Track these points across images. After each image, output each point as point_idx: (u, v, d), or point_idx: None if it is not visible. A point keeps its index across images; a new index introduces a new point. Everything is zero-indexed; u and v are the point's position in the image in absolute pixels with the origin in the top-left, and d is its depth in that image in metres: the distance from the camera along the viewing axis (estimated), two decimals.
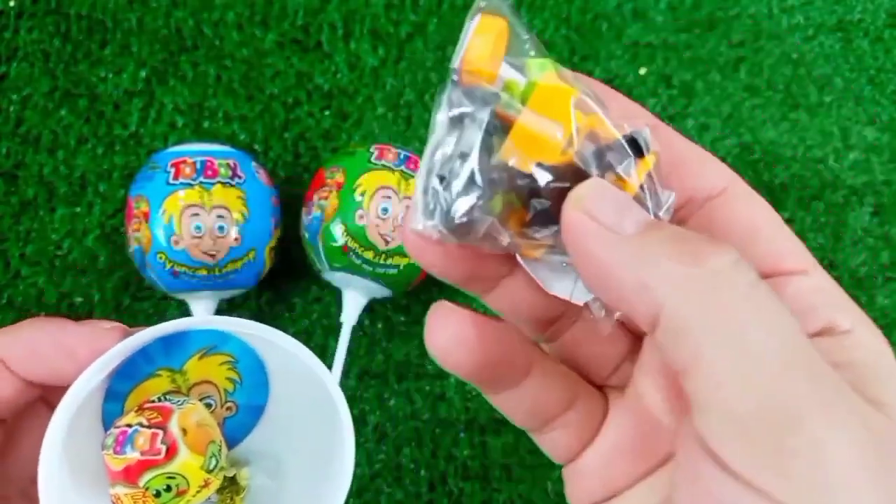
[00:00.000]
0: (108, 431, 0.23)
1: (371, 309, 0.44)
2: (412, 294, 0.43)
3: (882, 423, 0.16)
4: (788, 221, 0.46)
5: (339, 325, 0.41)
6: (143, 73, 0.47)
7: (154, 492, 0.21)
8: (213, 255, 0.38)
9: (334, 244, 0.38)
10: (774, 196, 0.46)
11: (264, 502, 0.27)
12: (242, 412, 0.27)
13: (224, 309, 0.43)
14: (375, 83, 0.48)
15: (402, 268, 0.39)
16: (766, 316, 0.16)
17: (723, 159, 0.49)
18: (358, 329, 0.43)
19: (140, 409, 0.22)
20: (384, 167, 0.38)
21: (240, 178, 0.39)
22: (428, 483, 0.42)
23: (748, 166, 0.47)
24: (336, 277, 0.40)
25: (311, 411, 0.26)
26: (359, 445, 0.42)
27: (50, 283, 0.44)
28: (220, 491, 0.26)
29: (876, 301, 0.45)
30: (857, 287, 0.45)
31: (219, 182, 0.38)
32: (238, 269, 0.39)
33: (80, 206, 0.45)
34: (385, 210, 0.38)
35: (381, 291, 0.40)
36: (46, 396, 0.24)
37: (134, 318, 0.44)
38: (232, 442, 0.27)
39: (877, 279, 0.45)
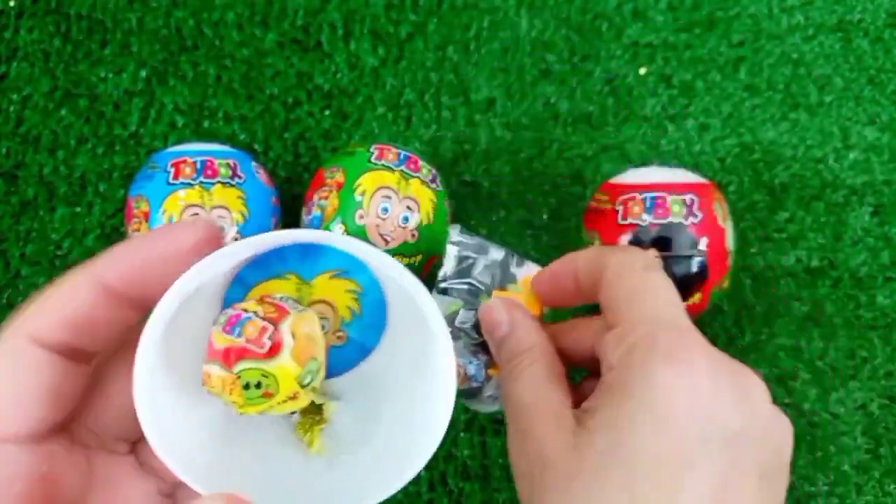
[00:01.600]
0: (224, 310, 0.22)
1: None
2: None
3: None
4: (788, 221, 0.46)
5: None
6: (143, 73, 0.47)
7: (244, 383, 0.21)
8: None
9: None
10: (774, 196, 0.46)
11: (343, 442, 0.26)
12: (351, 346, 0.27)
13: None
14: (375, 83, 0.48)
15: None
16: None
17: (723, 159, 0.49)
18: None
19: (260, 300, 0.22)
20: (384, 167, 0.38)
21: (240, 178, 0.39)
22: (428, 483, 0.42)
23: (748, 166, 0.47)
24: None
25: (415, 369, 0.26)
26: None
27: None
28: (303, 413, 0.25)
29: (876, 301, 0.45)
30: (857, 287, 0.45)
31: (219, 182, 0.38)
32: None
33: (80, 206, 0.45)
34: (385, 210, 0.38)
35: None
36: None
37: None
38: (331, 372, 0.26)
39: (877, 279, 0.45)
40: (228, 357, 0.21)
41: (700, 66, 0.48)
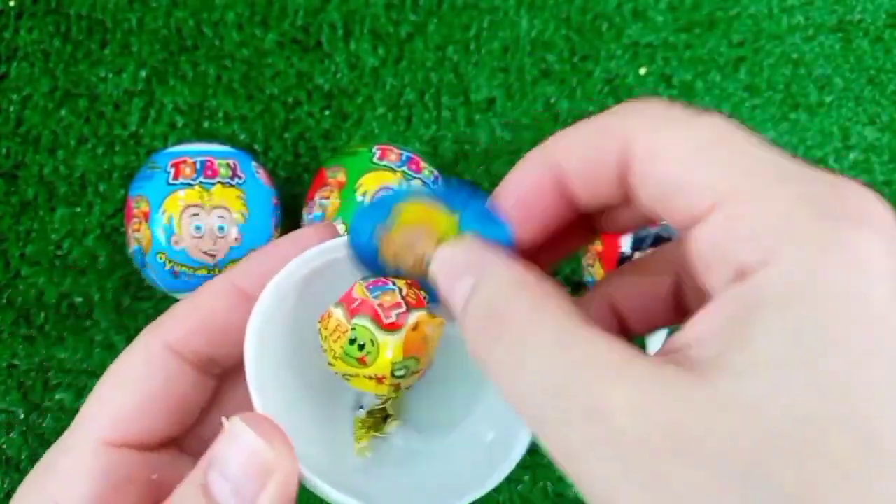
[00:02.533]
0: (374, 277, 0.23)
1: None
2: None
3: None
4: None
5: None
6: (143, 73, 0.47)
7: (352, 336, 0.21)
8: (212, 255, 0.38)
9: None
10: None
11: (400, 458, 0.25)
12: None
13: None
14: (375, 83, 0.48)
15: None
16: None
17: None
18: None
19: (411, 283, 0.22)
20: (386, 167, 0.38)
21: (240, 178, 0.39)
22: None
23: None
24: None
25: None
26: None
27: (50, 283, 0.44)
28: (369, 412, 0.25)
29: None
30: None
31: (219, 182, 0.38)
32: None
33: (80, 206, 0.45)
34: None
35: None
36: None
37: (134, 319, 0.44)
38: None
39: None
40: (356, 307, 0.21)
41: (700, 66, 0.48)
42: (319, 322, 0.22)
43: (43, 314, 0.44)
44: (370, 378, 0.21)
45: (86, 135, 0.46)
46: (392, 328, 0.21)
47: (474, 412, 0.26)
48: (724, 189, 0.15)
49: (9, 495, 0.42)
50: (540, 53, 0.48)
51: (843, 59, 0.48)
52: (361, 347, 0.21)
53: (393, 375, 0.21)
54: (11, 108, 0.46)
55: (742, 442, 0.13)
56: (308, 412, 0.24)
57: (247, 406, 0.21)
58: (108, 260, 0.44)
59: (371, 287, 0.22)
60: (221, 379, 0.23)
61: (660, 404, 0.13)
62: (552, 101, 0.48)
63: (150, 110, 0.47)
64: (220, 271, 0.38)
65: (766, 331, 0.13)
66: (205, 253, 0.37)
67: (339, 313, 0.21)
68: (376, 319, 0.21)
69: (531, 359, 0.15)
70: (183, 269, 0.38)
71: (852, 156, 0.47)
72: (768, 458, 0.12)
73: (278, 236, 0.41)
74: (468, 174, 0.46)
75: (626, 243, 0.39)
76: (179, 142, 0.44)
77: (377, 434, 0.25)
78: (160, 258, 0.38)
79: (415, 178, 0.39)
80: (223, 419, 0.19)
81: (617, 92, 0.48)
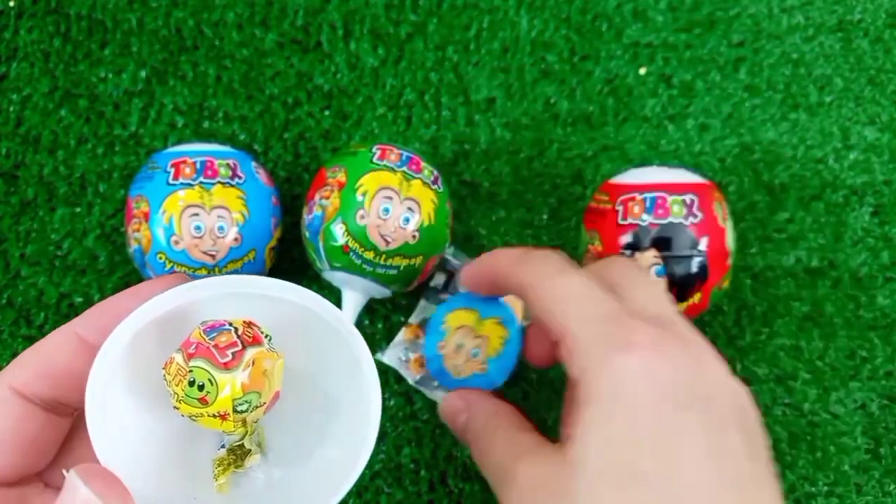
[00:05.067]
0: (213, 320, 0.24)
1: (371, 309, 0.44)
2: (412, 294, 0.43)
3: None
4: (788, 221, 0.46)
5: None
6: (143, 73, 0.47)
7: (191, 378, 0.22)
8: (213, 256, 0.38)
9: (335, 244, 0.38)
10: (774, 196, 0.46)
11: (260, 491, 0.27)
12: (486, 377, 0.36)
13: None
14: (375, 83, 0.48)
15: (402, 268, 0.39)
16: None
17: (723, 159, 0.49)
18: (357, 328, 0.43)
19: (249, 324, 0.24)
20: (386, 168, 0.38)
21: (240, 178, 0.39)
22: (428, 483, 0.42)
23: (748, 166, 0.47)
24: (336, 277, 0.40)
25: (346, 388, 0.28)
26: None
27: (50, 283, 0.44)
28: (229, 450, 0.26)
29: (876, 301, 0.45)
30: (857, 287, 0.45)
31: (219, 182, 0.38)
32: (238, 270, 0.39)
33: (80, 206, 0.45)
34: (386, 210, 0.38)
35: (380, 291, 0.40)
36: None
37: None
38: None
39: (877, 279, 0.45)
40: (192, 351, 0.22)
41: (700, 66, 0.48)
42: (164, 368, 0.23)
43: (43, 314, 0.44)
44: (214, 416, 0.23)
45: (86, 135, 0.46)
46: (228, 366, 0.22)
47: (327, 439, 0.28)
48: (561, 328, 0.26)
49: None
50: (540, 53, 0.48)
51: (843, 59, 0.48)
52: (201, 388, 0.22)
53: (235, 411, 0.23)
54: (11, 108, 0.46)
55: (583, 479, 0.24)
56: (165, 456, 0.25)
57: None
58: (108, 260, 0.44)
59: (207, 330, 0.23)
60: (80, 417, 0.24)
61: (542, 465, 0.26)
62: (552, 101, 0.47)
63: (150, 110, 0.47)
64: (220, 271, 0.38)
65: (587, 419, 0.25)
66: (205, 253, 0.37)
67: (178, 358, 0.23)
68: (212, 360, 0.22)
69: (493, 454, 0.28)
70: (183, 269, 0.38)
71: (852, 156, 0.47)
72: (597, 485, 0.24)
73: (278, 236, 0.41)
74: (468, 174, 0.46)
75: (625, 243, 0.39)
76: (179, 142, 0.44)
77: (238, 469, 0.27)
78: (160, 258, 0.38)
79: (415, 177, 0.39)
80: (63, 471, 0.20)
81: (617, 92, 0.48)
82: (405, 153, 0.39)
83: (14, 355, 0.43)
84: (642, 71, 0.48)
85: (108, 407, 0.23)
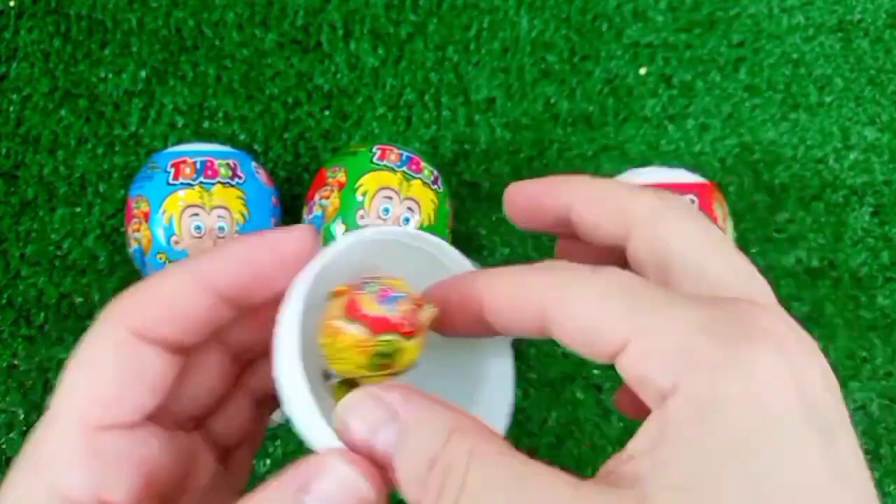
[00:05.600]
0: (362, 279, 0.23)
1: None
2: None
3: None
4: (788, 221, 0.46)
5: None
6: (143, 73, 0.47)
7: (378, 350, 0.22)
8: None
9: None
10: (774, 196, 0.46)
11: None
12: None
13: None
14: (375, 83, 0.48)
15: None
16: None
17: (723, 159, 0.49)
18: None
19: (401, 282, 0.23)
20: (386, 168, 0.38)
21: (240, 178, 0.39)
22: None
23: (748, 166, 0.47)
24: None
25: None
26: None
27: (50, 283, 0.44)
28: (343, 380, 0.25)
29: (876, 301, 0.45)
30: (857, 287, 0.45)
31: (219, 182, 0.38)
32: None
33: (80, 206, 0.45)
34: (386, 210, 0.38)
35: None
36: (222, 335, 0.24)
37: None
38: None
39: (877, 279, 0.45)
40: (379, 324, 0.22)
41: (700, 66, 0.48)
42: (325, 337, 0.23)
43: (43, 314, 0.44)
44: (384, 376, 0.22)
45: (86, 135, 0.46)
46: (411, 333, 0.22)
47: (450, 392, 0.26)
48: (629, 328, 0.17)
49: None
50: (540, 53, 0.48)
51: (843, 59, 0.48)
52: (387, 356, 0.22)
53: (414, 365, 0.22)
54: (11, 108, 0.46)
55: None
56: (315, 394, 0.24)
57: (215, 376, 0.23)
58: (108, 260, 0.44)
59: (382, 298, 0.22)
60: (189, 353, 0.23)
61: None
62: (552, 101, 0.47)
63: (150, 110, 0.47)
64: None
65: (677, 454, 0.15)
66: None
67: (354, 329, 0.22)
68: (401, 331, 0.22)
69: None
70: None
71: (852, 156, 0.47)
72: None
73: None
74: (468, 174, 0.46)
75: None
76: (179, 142, 0.44)
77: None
78: (160, 258, 0.38)
79: (415, 178, 0.39)
80: (315, 448, 0.19)
81: (617, 92, 0.48)
82: (405, 153, 0.39)
83: (14, 355, 0.43)
84: (642, 71, 0.48)
85: (300, 364, 0.22)
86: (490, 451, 0.17)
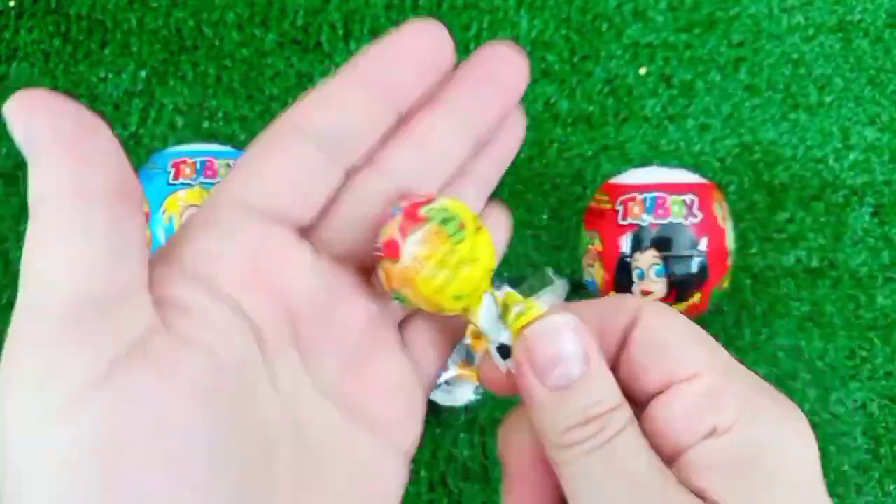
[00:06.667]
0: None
1: None
2: None
3: None
4: (788, 221, 0.46)
5: None
6: (143, 73, 0.47)
7: (440, 219, 0.19)
8: None
9: None
10: (774, 196, 0.46)
11: None
12: None
13: None
14: None
15: None
16: None
17: (723, 159, 0.49)
18: None
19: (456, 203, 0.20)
20: None
21: None
22: (428, 483, 0.42)
23: (748, 166, 0.47)
24: None
25: None
26: None
27: None
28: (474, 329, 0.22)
29: (876, 301, 0.45)
30: (857, 287, 0.45)
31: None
32: None
33: None
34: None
35: None
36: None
37: None
38: None
39: (877, 279, 0.45)
40: (410, 217, 0.19)
41: (700, 66, 0.48)
42: (389, 288, 0.20)
43: None
44: (483, 276, 0.20)
45: None
46: (391, 256, 0.19)
47: None
48: (705, 364, 0.19)
49: None
50: (540, 53, 0.48)
51: (843, 59, 0.48)
52: (452, 220, 0.20)
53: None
54: None
55: None
56: None
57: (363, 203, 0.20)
58: None
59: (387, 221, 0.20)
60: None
61: None
62: (552, 101, 0.47)
63: (150, 110, 0.47)
64: None
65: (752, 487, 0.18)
66: None
67: (387, 266, 0.20)
68: (382, 255, 0.20)
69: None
70: None
71: (852, 156, 0.47)
72: None
73: None
74: None
75: (625, 244, 0.39)
76: (179, 142, 0.44)
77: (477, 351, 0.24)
78: None
79: None
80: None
81: (617, 92, 0.48)
82: None
83: None
84: (642, 71, 0.48)
85: None
86: (637, 435, 0.19)
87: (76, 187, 0.17)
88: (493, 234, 0.22)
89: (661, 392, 0.19)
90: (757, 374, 0.20)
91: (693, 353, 0.19)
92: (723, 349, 0.20)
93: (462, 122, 0.22)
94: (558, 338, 0.19)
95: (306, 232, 0.21)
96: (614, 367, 0.20)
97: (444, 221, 0.19)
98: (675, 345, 0.19)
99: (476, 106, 0.22)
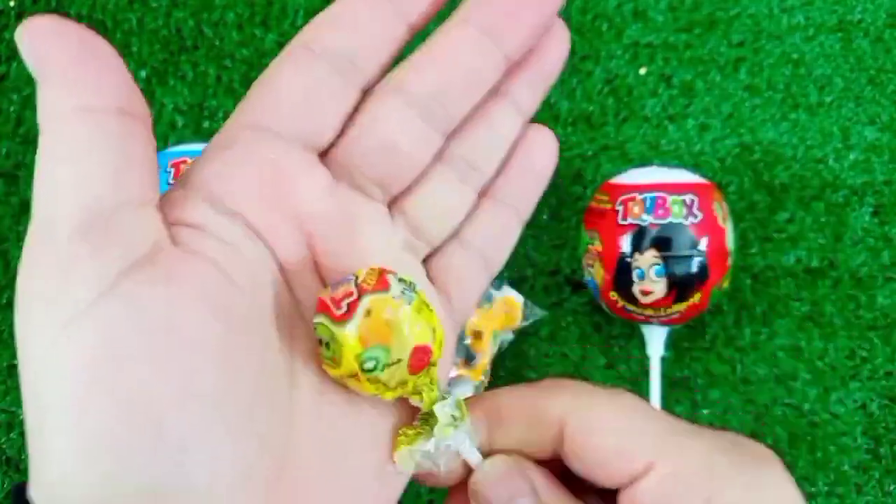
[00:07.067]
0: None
1: None
2: None
3: None
4: (788, 221, 0.46)
5: None
6: (143, 73, 0.47)
7: (318, 337, 0.19)
8: None
9: None
10: (774, 196, 0.46)
11: None
12: None
13: None
14: None
15: None
16: None
17: (723, 159, 0.49)
18: None
19: (379, 273, 0.20)
20: None
21: None
22: None
23: (748, 166, 0.47)
24: None
25: None
26: None
27: None
28: (422, 416, 0.21)
29: (876, 301, 0.45)
30: (857, 287, 0.45)
31: None
32: None
33: None
34: None
35: None
36: None
37: None
38: None
39: (877, 279, 0.45)
40: (317, 307, 0.20)
41: (700, 66, 0.48)
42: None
43: None
44: (350, 377, 0.20)
45: None
46: (342, 318, 0.19)
47: None
48: (654, 453, 0.18)
49: (8, 496, 0.42)
50: None
51: (843, 59, 0.48)
52: (328, 346, 0.19)
53: (363, 370, 0.19)
54: (11, 108, 0.46)
55: None
56: None
57: (391, 129, 0.20)
58: None
59: (333, 283, 0.20)
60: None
61: None
62: (552, 101, 0.47)
63: (150, 110, 0.47)
64: None
65: None
66: None
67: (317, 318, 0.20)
68: (329, 315, 0.19)
69: None
70: None
71: (852, 156, 0.47)
72: None
73: None
74: None
75: (625, 244, 0.39)
76: (179, 142, 0.44)
77: (412, 446, 0.21)
78: None
79: None
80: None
81: (617, 92, 0.48)
82: None
83: (14, 355, 0.43)
84: (642, 71, 0.48)
85: None
86: None
87: (83, 104, 0.17)
88: (537, 161, 0.21)
89: (625, 484, 0.18)
90: (719, 428, 0.20)
91: (638, 447, 0.18)
92: (667, 418, 0.19)
93: (489, 37, 0.19)
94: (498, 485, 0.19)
95: (324, 157, 0.20)
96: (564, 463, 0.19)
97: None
98: (615, 447, 0.18)
99: (503, 17, 0.19)
